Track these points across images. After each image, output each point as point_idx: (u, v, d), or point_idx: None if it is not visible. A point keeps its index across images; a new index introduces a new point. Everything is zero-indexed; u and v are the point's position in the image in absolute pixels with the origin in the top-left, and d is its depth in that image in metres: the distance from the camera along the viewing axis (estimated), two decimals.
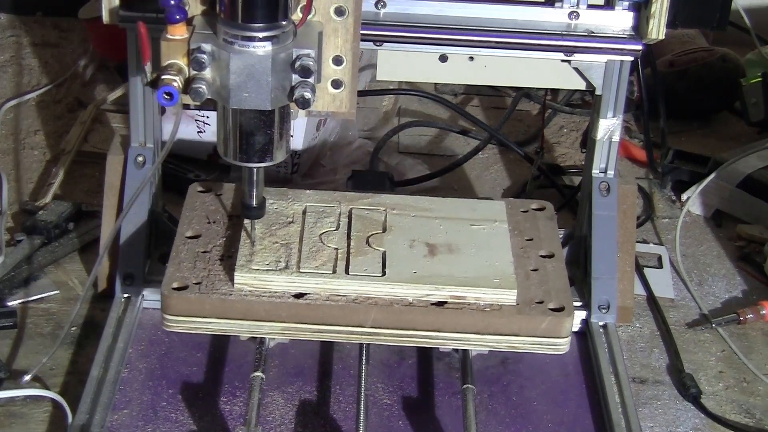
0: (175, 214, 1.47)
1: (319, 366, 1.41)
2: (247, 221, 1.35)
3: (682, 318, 1.58)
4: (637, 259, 1.64)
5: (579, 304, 1.49)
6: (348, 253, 1.34)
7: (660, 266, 1.67)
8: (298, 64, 1.16)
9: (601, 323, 1.49)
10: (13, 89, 2.05)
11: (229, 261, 1.32)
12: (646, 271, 1.64)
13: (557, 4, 1.42)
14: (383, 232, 1.38)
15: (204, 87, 1.16)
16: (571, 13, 1.42)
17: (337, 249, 1.34)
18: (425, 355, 1.44)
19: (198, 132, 1.79)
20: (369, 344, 1.36)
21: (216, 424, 1.32)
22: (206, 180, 1.77)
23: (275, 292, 1.29)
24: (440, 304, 1.29)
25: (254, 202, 1.30)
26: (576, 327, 1.49)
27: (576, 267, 1.54)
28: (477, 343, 1.30)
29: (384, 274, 1.30)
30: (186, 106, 1.25)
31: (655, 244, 1.73)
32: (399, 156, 1.91)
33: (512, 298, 1.30)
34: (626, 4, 1.42)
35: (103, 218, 1.51)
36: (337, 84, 1.24)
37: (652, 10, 1.37)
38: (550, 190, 1.84)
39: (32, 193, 1.75)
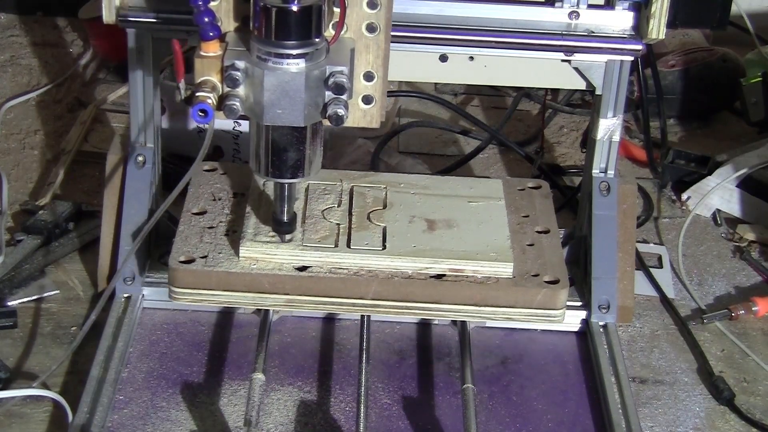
0: (175, 214, 1.47)
1: (319, 366, 1.42)
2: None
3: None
4: (642, 259, 1.64)
5: (579, 304, 1.49)
6: (349, 228, 1.37)
7: (660, 266, 1.67)
8: (331, 81, 1.17)
9: (601, 323, 1.49)
10: (13, 89, 2.05)
11: (234, 235, 1.36)
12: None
13: (557, 4, 1.43)
14: (384, 208, 1.41)
15: (238, 104, 1.17)
16: (571, 12, 1.42)
17: (338, 224, 1.38)
18: (425, 355, 1.44)
19: (198, 132, 1.79)
20: (369, 342, 1.36)
21: (216, 424, 1.32)
22: None
23: (279, 265, 1.32)
24: (439, 277, 1.32)
25: (285, 218, 1.31)
26: (576, 327, 1.49)
27: (576, 267, 1.54)
28: (474, 315, 1.33)
29: (384, 247, 1.34)
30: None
31: (655, 244, 1.73)
32: (399, 156, 1.91)
33: (509, 271, 1.33)
34: (626, 3, 1.42)
35: (103, 218, 1.51)
36: (367, 100, 1.25)
37: (652, 10, 1.37)
38: (550, 189, 1.84)
39: (32, 192, 1.75)
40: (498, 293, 1.32)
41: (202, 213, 1.41)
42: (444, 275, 1.33)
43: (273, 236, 1.34)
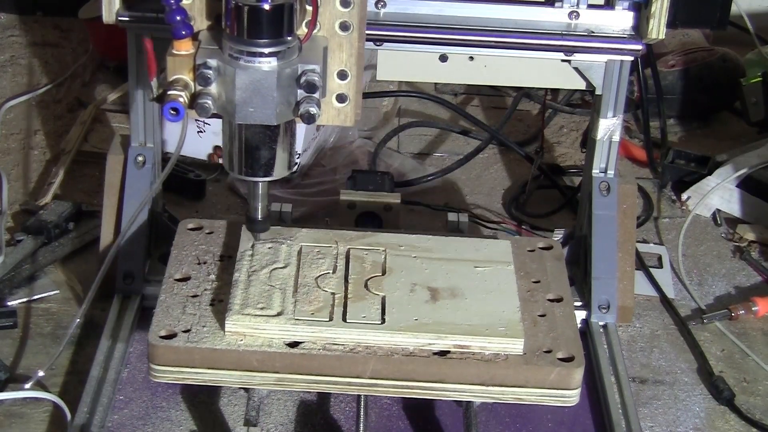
0: (175, 214, 1.47)
1: None
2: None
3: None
4: (642, 259, 1.64)
5: (579, 304, 1.49)
6: (345, 298, 1.27)
7: (660, 266, 1.67)
8: (303, 79, 1.16)
9: (601, 323, 1.49)
10: (13, 89, 2.05)
11: (219, 306, 1.26)
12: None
13: (557, 4, 1.43)
14: (383, 274, 1.31)
15: (210, 102, 1.16)
16: (571, 12, 1.42)
17: (334, 294, 1.27)
18: None
19: (198, 132, 1.79)
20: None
21: (216, 424, 1.32)
22: (205, 179, 1.77)
23: (268, 341, 1.22)
24: (443, 353, 1.22)
25: (259, 216, 1.29)
26: None
27: (576, 267, 1.54)
28: (482, 395, 1.23)
29: (383, 321, 1.24)
30: None
31: (655, 243, 1.73)
32: (399, 156, 1.91)
33: (519, 347, 1.23)
34: (626, 3, 1.42)
35: (103, 218, 1.51)
36: (341, 98, 1.24)
37: (652, 10, 1.37)
38: (551, 189, 1.84)
39: (32, 192, 1.76)
40: (507, 372, 1.21)
41: (185, 279, 1.30)
42: (448, 352, 1.22)
43: (262, 308, 1.23)
